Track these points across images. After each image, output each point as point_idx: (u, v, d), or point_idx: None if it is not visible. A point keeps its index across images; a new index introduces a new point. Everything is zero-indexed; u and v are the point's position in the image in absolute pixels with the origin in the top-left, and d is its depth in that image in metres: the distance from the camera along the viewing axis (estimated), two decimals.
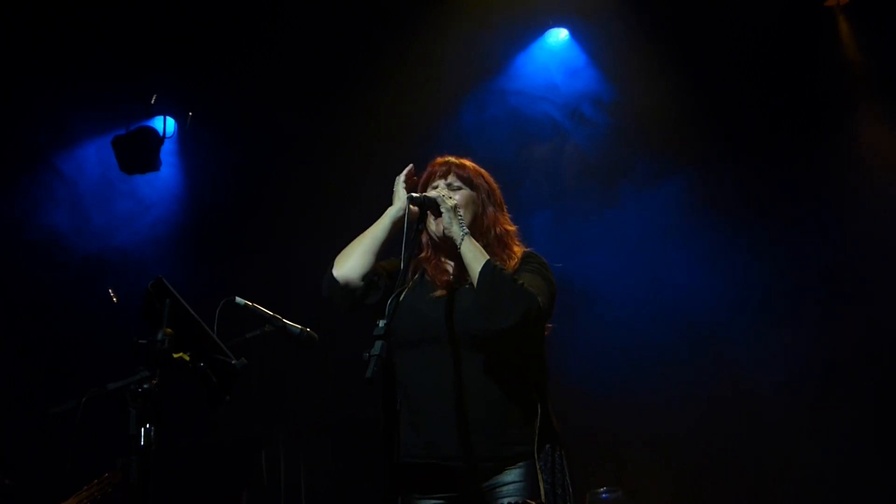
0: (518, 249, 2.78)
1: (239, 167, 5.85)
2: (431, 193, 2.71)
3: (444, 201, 2.65)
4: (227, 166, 5.86)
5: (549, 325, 2.70)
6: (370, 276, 2.69)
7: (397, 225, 2.73)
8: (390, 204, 2.77)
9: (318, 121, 5.80)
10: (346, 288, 2.67)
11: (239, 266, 5.76)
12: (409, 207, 2.62)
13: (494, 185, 2.87)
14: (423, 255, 2.80)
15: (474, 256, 2.58)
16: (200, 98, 5.80)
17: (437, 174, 2.83)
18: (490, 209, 2.80)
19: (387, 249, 2.75)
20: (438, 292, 2.69)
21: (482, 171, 2.88)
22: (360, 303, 2.68)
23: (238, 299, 2.98)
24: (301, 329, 3.06)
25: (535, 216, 5.35)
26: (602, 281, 5.37)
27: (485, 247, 2.66)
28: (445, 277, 2.73)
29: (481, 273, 2.53)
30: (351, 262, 2.68)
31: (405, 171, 2.80)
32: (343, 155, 5.71)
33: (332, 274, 2.68)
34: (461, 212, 2.68)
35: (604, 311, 5.33)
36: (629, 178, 5.48)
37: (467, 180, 2.81)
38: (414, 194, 2.67)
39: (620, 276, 5.40)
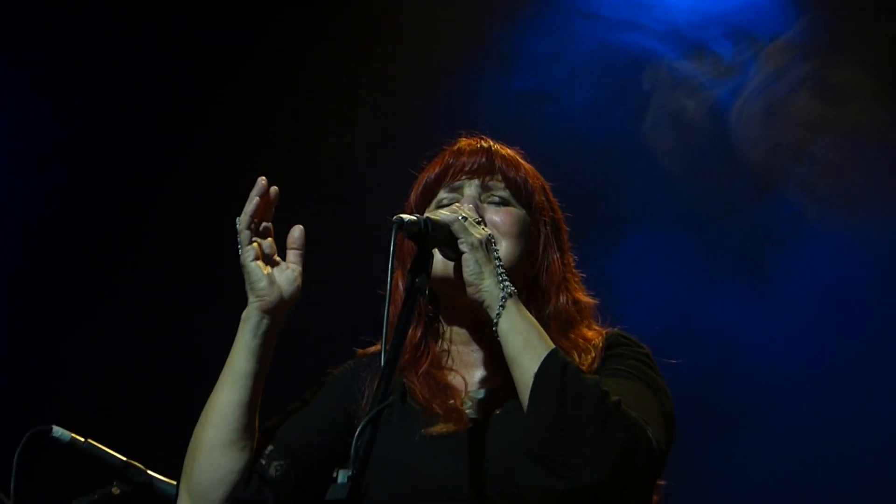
0: (593, 334, 2.78)
1: (77, 133, 6.09)
2: (443, 213, 2.63)
3: (467, 229, 2.58)
4: (59, 132, 6.09)
5: (661, 483, 2.70)
6: (243, 482, 2.67)
7: (262, 353, 2.67)
8: (377, 228, 2.69)
9: (244, 52, 6.09)
10: None
11: (63, 348, 5.88)
12: (394, 240, 2.53)
13: (559, 212, 2.80)
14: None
15: (526, 342, 2.53)
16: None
17: (463, 170, 2.78)
18: (555, 255, 2.73)
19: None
20: (440, 426, 2.68)
21: (541, 178, 2.81)
22: None
23: (58, 430, 2.92)
24: None
25: (622, 248, 5.40)
26: (758, 381, 5.33)
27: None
28: (451, 399, 2.72)
29: (540, 377, 2.48)
30: (199, 475, 2.66)
31: (251, 205, 2.67)
32: (289, 119, 6.01)
33: None
34: (500, 249, 2.60)
35: (763, 437, 5.29)
36: (800, 184, 5.44)
37: (522, 189, 2.79)
38: (405, 215, 2.57)
39: (790, 370, 5.34)
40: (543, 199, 2.88)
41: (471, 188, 2.80)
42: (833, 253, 5.35)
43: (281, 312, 2.66)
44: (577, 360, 2.67)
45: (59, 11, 6.18)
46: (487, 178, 2.81)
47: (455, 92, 5.64)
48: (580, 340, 2.75)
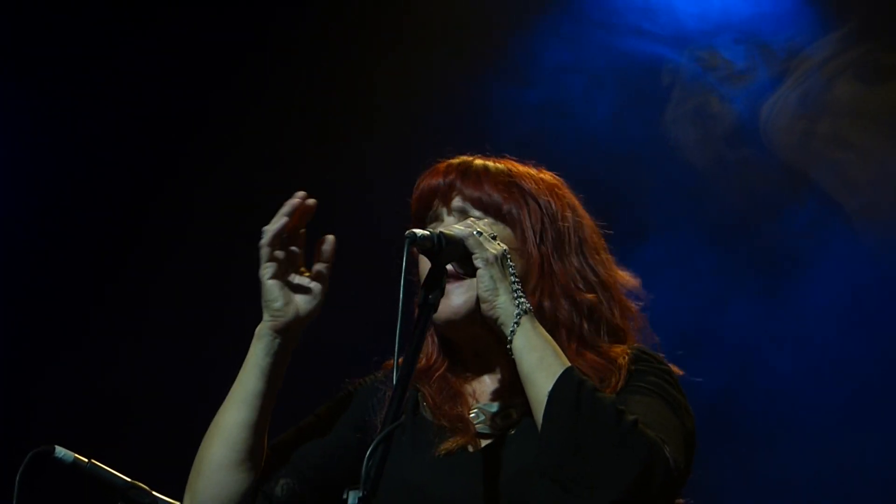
0: (619, 350, 2.71)
1: (75, 151, 6.06)
2: (457, 227, 2.60)
3: (482, 244, 2.55)
4: (58, 132, 6.09)
5: (680, 502, 2.67)
6: (248, 502, 2.64)
7: (273, 372, 2.63)
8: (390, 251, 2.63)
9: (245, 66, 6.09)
10: None
11: (66, 365, 5.85)
12: (406, 255, 2.50)
13: (565, 213, 2.72)
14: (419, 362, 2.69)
15: (541, 360, 2.50)
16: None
17: (431, 196, 2.76)
18: (556, 264, 2.66)
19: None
20: (448, 442, 2.65)
21: (542, 175, 2.82)
22: None
23: (60, 451, 2.88)
24: None
25: (636, 260, 5.21)
26: (777, 398, 5.30)
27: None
28: (459, 406, 2.70)
29: (555, 395, 2.45)
30: (202, 494, 2.63)
31: (278, 223, 2.60)
32: (299, 128, 6.02)
33: None
34: (514, 266, 2.59)
35: (781, 456, 5.26)
36: (837, 175, 5.44)
37: (489, 204, 2.73)
38: (418, 230, 2.54)
39: (809, 387, 5.31)
40: (534, 204, 2.76)
41: (442, 215, 2.75)
42: (853, 266, 5.35)
43: (296, 331, 2.62)
44: (597, 381, 2.63)
45: (59, 11, 6.20)
46: (454, 202, 2.75)
47: (470, 103, 5.68)
48: (601, 360, 2.69)
